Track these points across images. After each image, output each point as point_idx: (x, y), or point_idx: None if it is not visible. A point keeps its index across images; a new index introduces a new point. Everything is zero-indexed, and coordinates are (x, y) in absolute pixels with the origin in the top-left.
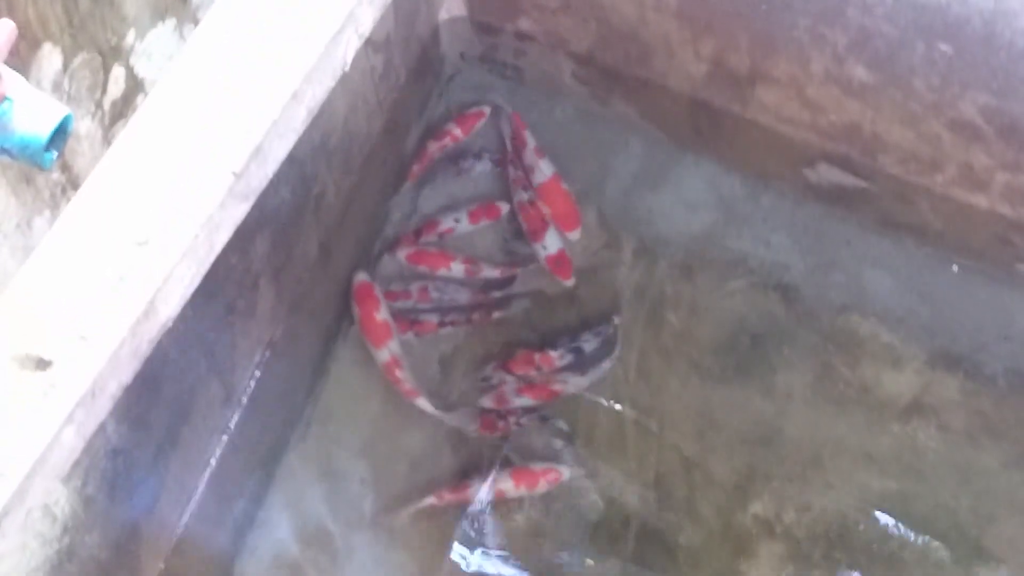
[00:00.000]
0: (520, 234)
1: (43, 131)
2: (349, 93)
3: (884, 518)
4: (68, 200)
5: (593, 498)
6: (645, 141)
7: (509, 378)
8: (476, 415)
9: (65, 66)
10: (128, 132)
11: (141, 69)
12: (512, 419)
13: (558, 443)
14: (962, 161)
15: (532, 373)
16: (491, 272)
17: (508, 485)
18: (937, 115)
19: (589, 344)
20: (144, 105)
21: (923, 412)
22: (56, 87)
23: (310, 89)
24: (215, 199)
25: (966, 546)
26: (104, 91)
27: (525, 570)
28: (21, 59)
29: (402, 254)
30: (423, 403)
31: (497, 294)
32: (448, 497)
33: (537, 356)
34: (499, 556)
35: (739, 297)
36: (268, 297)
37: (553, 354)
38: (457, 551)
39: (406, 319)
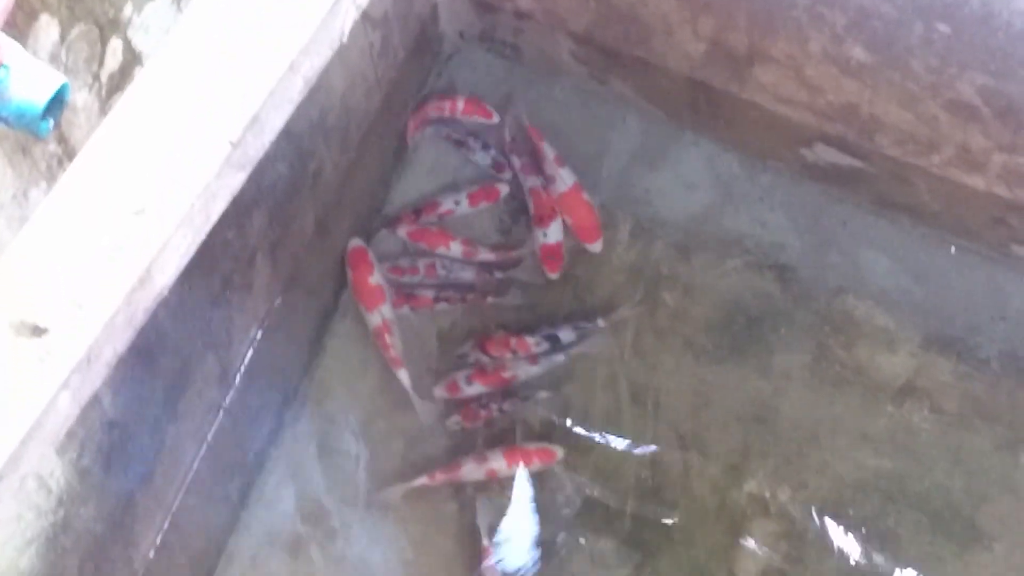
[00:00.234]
0: (517, 217)
1: (40, 99)
2: (347, 70)
3: (878, 497)
4: (65, 172)
5: (587, 477)
6: (643, 120)
7: (484, 359)
8: (436, 410)
9: (62, 38)
10: (125, 102)
11: (138, 42)
12: (494, 407)
13: (557, 420)
14: (959, 142)
15: (507, 356)
16: (487, 255)
17: (500, 464)
18: (935, 96)
19: (567, 335)
20: (141, 75)
21: (917, 394)
22: (53, 59)
23: (307, 60)
24: (212, 168)
25: (959, 525)
26: (101, 64)
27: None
28: (18, 30)
29: (403, 232)
30: (403, 375)
31: (500, 275)
32: (440, 476)
33: (514, 340)
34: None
35: (735, 277)
36: (265, 273)
37: (530, 340)
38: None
39: (403, 293)
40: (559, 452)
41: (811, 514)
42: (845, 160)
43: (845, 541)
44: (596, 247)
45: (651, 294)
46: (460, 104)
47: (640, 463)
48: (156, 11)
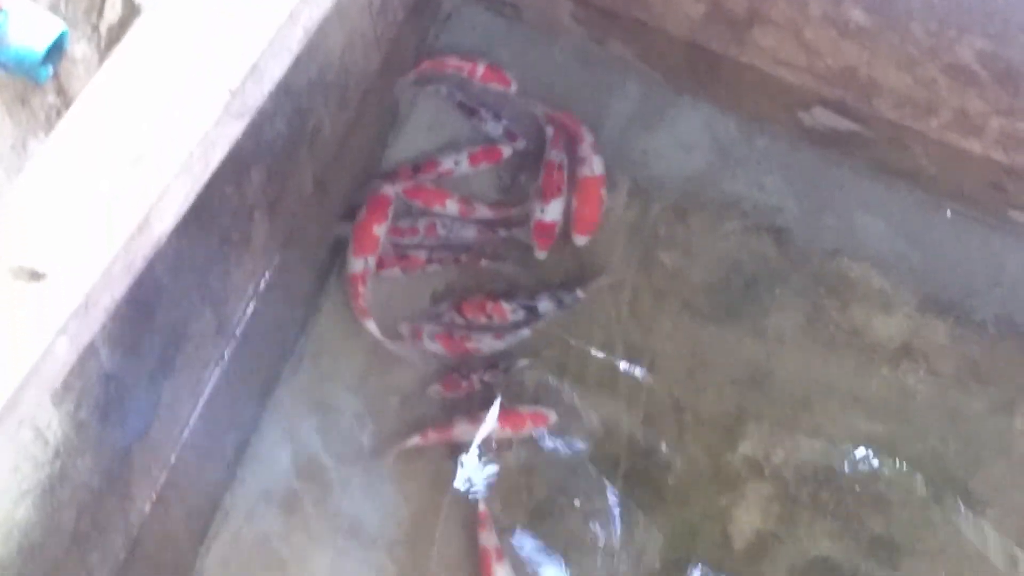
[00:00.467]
0: (517, 180)
1: (39, 45)
2: (346, 27)
3: (872, 460)
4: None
5: (581, 438)
6: (641, 82)
7: (459, 319)
8: (422, 356)
9: None
10: (122, 49)
11: None
12: (475, 377)
13: (551, 383)
14: (957, 106)
15: (482, 320)
16: (485, 212)
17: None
18: (933, 59)
19: (545, 306)
20: (139, 22)
21: (912, 356)
22: (53, 10)
23: (307, 9)
24: (211, 117)
25: (953, 489)
26: (100, 15)
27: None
28: None
29: (399, 188)
30: (372, 326)
31: (504, 232)
32: (433, 436)
33: (490, 305)
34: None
35: (732, 239)
36: (262, 230)
37: (506, 306)
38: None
39: (397, 254)
40: (552, 415)
41: (804, 476)
42: (843, 123)
43: (837, 503)
44: (582, 241)
45: (649, 255)
46: (480, 69)
47: (634, 425)
48: None
